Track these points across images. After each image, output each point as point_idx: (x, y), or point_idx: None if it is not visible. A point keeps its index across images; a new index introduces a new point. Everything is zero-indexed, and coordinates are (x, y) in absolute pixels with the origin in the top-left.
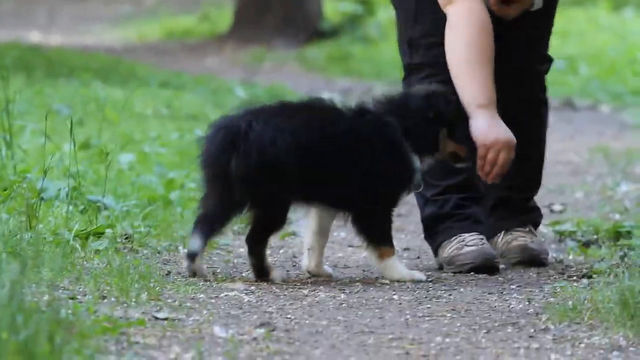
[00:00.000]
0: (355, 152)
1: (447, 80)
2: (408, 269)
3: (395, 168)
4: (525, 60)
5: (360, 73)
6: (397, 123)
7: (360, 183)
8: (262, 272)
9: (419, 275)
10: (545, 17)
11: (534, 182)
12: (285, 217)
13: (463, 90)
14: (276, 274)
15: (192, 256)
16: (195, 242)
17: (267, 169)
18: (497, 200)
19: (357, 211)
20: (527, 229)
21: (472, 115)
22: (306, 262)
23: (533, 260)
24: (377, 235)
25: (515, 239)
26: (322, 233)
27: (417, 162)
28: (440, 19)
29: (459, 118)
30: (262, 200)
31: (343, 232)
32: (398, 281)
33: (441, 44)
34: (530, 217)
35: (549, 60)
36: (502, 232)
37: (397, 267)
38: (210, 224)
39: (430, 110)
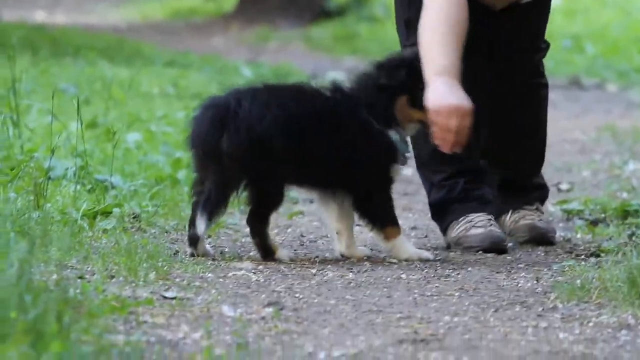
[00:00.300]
0: (333, 132)
1: None
2: (416, 247)
3: (370, 145)
4: (518, 50)
5: (366, 52)
6: (362, 99)
7: (345, 164)
8: (267, 252)
9: (427, 254)
10: (538, 9)
11: (537, 161)
12: (282, 194)
13: (425, 61)
14: (282, 253)
15: (194, 240)
16: (199, 226)
17: (257, 145)
18: (502, 180)
19: (353, 193)
20: (535, 207)
21: (429, 83)
22: (337, 246)
23: (541, 238)
24: (380, 216)
25: (523, 217)
26: (345, 214)
27: (392, 134)
28: None
29: (417, 85)
30: (256, 178)
31: None
32: (406, 260)
33: None
34: (537, 194)
35: (546, 46)
36: (510, 211)
37: (405, 246)
38: (210, 206)
39: (381, 79)
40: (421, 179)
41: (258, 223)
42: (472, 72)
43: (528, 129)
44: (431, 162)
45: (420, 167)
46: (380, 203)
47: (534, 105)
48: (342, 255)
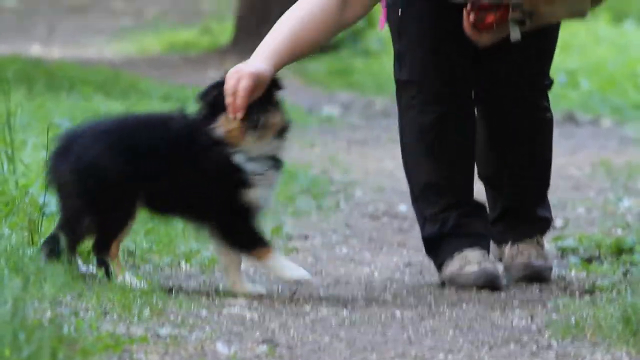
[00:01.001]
0: (173, 161)
1: (431, 100)
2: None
3: (212, 171)
4: (516, 89)
5: (361, 87)
6: (201, 127)
7: (191, 193)
8: (109, 275)
9: (304, 273)
10: (537, 48)
11: (540, 193)
12: (127, 218)
13: (264, 42)
14: (126, 277)
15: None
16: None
17: (88, 173)
18: (504, 209)
19: (210, 223)
20: (534, 240)
21: None
22: (226, 281)
23: (536, 276)
24: (245, 241)
25: (521, 253)
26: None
27: (238, 157)
28: (417, 35)
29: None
30: (95, 204)
31: (345, 247)
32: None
33: (422, 59)
34: (538, 226)
35: (549, 83)
36: (510, 242)
37: (282, 263)
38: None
39: (202, 106)
40: (415, 213)
41: (102, 251)
42: (471, 103)
43: (532, 161)
44: (423, 195)
45: (414, 201)
46: (241, 229)
47: (537, 140)
48: (233, 291)
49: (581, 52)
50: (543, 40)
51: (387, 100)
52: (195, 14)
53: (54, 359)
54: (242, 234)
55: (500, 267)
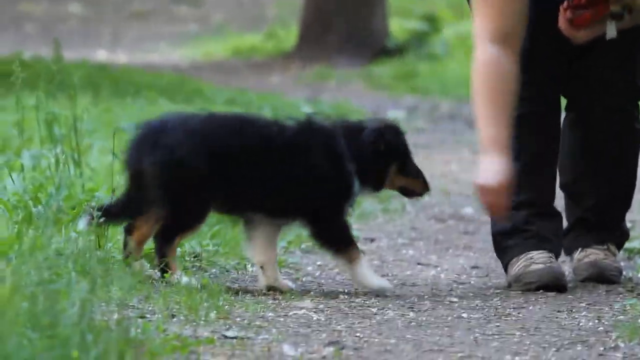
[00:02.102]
0: (287, 161)
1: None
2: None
3: (330, 180)
4: (616, 73)
5: (426, 90)
6: (344, 143)
7: (295, 192)
8: (162, 269)
9: (387, 284)
10: (637, 47)
11: (622, 206)
12: (199, 219)
13: (483, 130)
14: (176, 276)
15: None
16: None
17: (174, 169)
18: (579, 219)
19: (306, 222)
20: (605, 247)
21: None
22: (262, 279)
23: (600, 276)
24: (339, 241)
25: (588, 255)
26: (269, 246)
27: (356, 184)
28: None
29: (408, 153)
30: (171, 198)
31: (411, 249)
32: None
33: None
34: (612, 237)
35: None
36: (579, 249)
37: (368, 271)
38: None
39: (381, 143)
40: None
41: (164, 241)
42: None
43: (618, 174)
44: None
45: None
46: (336, 228)
47: (625, 152)
48: (267, 287)
49: None
50: (637, 46)
51: (452, 104)
52: (260, 19)
53: None
54: (337, 234)
55: (567, 270)
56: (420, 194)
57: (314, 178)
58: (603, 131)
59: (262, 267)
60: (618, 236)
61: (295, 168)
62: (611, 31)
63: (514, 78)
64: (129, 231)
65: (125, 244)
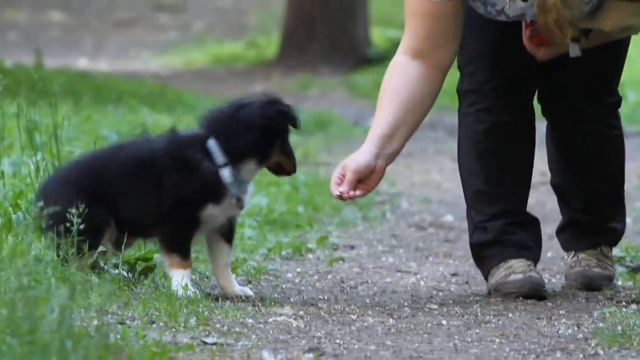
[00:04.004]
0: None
1: (487, 109)
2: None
3: (187, 182)
4: (592, 79)
5: None
6: (209, 139)
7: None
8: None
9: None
10: (607, 57)
11: (611, 204)
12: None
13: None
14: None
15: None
16: None
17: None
18: (571, 219)
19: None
20: (598, 251)
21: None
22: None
23: (590, 286)
24: (170, 243)
25: (580, 262)
26: (215, 252)
27: (227, 175)
28: (477, 48)
29: (287, 129)
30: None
31: (391, 257)
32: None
33: (481, 71)
34: (605, 237)
35: (615, 100)
36: (572, 253)
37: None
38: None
39: (266, 121)
40: (467, 220)
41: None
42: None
43: (600, 178)
44: (474, 203)
45: (467, 209)
46: (173, 232)
47: (604, 157)
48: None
49: (628, 65)
50: (607, 56)
51: (433, 113)
52: (241, 28)
53: None
54: (173, 238)
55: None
56: (289, 173)
57: (169, 187)
58: (581, 138)
59: (215, 275)
60: (610, 236)
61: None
62: (574, 50)
63: (416, 82)
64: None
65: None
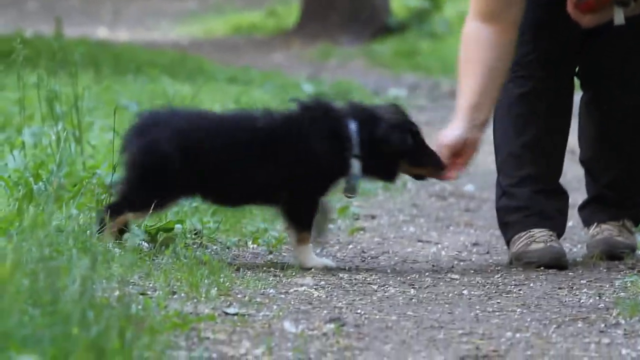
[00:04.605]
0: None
1: (526, 76)
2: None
3: (325, 160)
4: (634, 54)
5: (427, 69)
6: (354, 126)
7: (284, 173)
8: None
9: (330, 262)
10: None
11: (638, 181)
12: (151, 202)
13: (457, 97)
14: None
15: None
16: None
17: (147, 155)
18: (596, 195)
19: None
20: (620, 223)
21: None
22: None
23: (611, 253)
24: (301, 221)
25: (602, 232)
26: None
27: (356, 168)
28: (530, 9)
29: (418, 147)
30: (134, 179)
31: (412, 227)
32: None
33: (522, 44)
34: (627, 211)
35: None
36: (594, 224)
37: (311, 254)
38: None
39: (390, 146)
40: (496, 185)
41: (113, 213)
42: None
43: (634, 151)
44: (504, 166)
45: (497, 172)
46: (306, 209)
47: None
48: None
49: None
50: None
51: (453, 82)
52: None
53: (122, 338)
54: (306, 215)
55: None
56: (433, 177)
57: (299, 159)
58: (621, 112)
59: (293, 247)
60: (635, 213)
61: (279, 155)
62: (619, 18)
63: (497, 49)
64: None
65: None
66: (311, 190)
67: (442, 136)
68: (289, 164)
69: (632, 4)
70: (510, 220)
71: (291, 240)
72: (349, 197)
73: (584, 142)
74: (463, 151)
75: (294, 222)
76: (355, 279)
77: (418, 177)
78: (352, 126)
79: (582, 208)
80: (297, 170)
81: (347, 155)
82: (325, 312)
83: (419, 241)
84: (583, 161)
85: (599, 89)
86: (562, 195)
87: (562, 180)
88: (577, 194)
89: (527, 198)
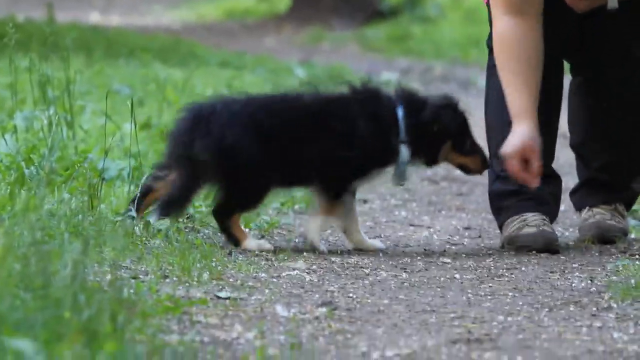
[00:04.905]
0: (331, 127)
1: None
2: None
3: (375, 145)
4: (627, 40)
5: (420, 53)
6: (402, 113)
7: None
8: (235, 242)
9: (322, 247)
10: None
11: (632, 167)
12: (258, 197)
13: (508, 101)
14: (250, 242)
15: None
16: (153, 216)
17: (226, 150)
18: (588, 179)
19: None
20: (612, 207)
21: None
22: (348, 242)
23: (603, 237)
24: (332, 193)
25: (594, 215)
26: (347, 211)
27: (403, 154)
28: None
29: (464, 132)
30: (228, 180)
31: (404, 211)
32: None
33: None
34: (619, 195)
35: None
36: (586, 208)
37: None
38: (170, 204)
39: (435, 124)
40: (488, 171)
41: (224, 217)
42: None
43: (626, 134)
44: (498, 152)
45: (490, 158)
46: (340, 186)
47: (634, 114)
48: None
49: None
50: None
51: (445, 66)
52: None
53: (114, 322)
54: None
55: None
56: (477, 172)
57: (354, 142)
58: (613, 97)
59: (345, 232)
60: (627, 196)
61: (341, 136)
62: (612, 2)
63: (533, 43)
64: (145, 194)
65: (228, 231)
66: (353, 172)
67: (511, 144)
68: (339, 144)
69: None
70: (504, 204)
71: (314, 206)
72: (400, 185)
73: (575, 127)
74: (531, 153)
75: (327, 192)
76: (347, 262)
77: (464, 168)
78: (400, 112)
79: (573, 192)
80: (345, 152)
81: (394, 142)
82: (317, 296)
83: (411, 225)
84: (574, 146)
85: (597, 84)
86: (555, 179)
87: (554, 165)
88: (569, 178)
89: (521, 184)
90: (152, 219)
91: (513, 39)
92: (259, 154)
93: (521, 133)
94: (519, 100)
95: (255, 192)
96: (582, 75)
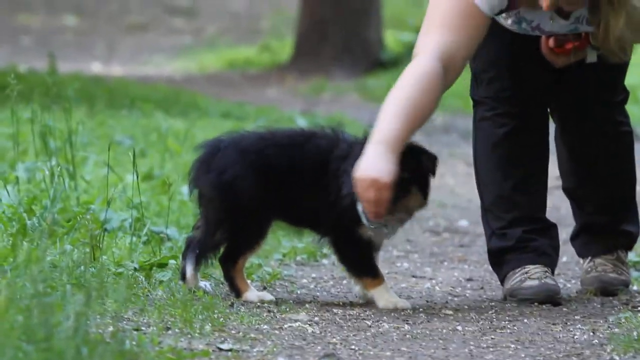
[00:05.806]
0: (318, 174)
1: (506, 114)
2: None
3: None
4: (594, 94)
5: None
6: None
7: (325, 206)
8: (236, 292)
9: (404, 304)
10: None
11: (624, 204)
12: (258, 237)
13: (378, 124)
14: (251, 294)
15: (183, 275)
16: (187, 266)
17: (227, 190)
18: (585, 224)
19: (332, 236)
20: (614, 256)
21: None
22: (358, 290)
23: (605, 290)
24: (355, 268)
25: (596, 267)
26: None
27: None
28: (494, 55)
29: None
30: (228, 219)
31: (406, 262)
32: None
33: (499, 79)
34: (620, 241)
35: (623, 97)
36: (588, 259)
37: (384, 295)
38: (198, 246)
39: (405, 171)
40: (483, 225)
41: (228, 263)
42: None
43: (612, 176)
44: (492, 208)
45: (483, 214)
46: (354, 257)
47: (615, 154)
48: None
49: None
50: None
51: (446, 117)
52: (255, 32)
53: None
54: (354, 262)
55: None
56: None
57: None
58: (592, 139)
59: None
60: (625, 240)
61: (318, 181)
62: (592, 56)
63: (437, 88)
64: (188, 246)
65: (230, 279)
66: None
67: (379, 173)
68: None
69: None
70: (505, 259)
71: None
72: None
73: (566, 171)
74: (384, 189)
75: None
76: (349, 314)
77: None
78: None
79: (574, 238)
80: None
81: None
82: (319, 347)
83: (413, 276)
84: (567, 190)
85: (572, 111)
86: (552, 229)
87: (556, 216)
88: (570, 229)
89: (521, 238)
90: (188, 270)
91: (423, 70)
92: (258, 190)
93: (392, 164)
94: (398, 127)
95: (255, 231)
96: (560, 119)
